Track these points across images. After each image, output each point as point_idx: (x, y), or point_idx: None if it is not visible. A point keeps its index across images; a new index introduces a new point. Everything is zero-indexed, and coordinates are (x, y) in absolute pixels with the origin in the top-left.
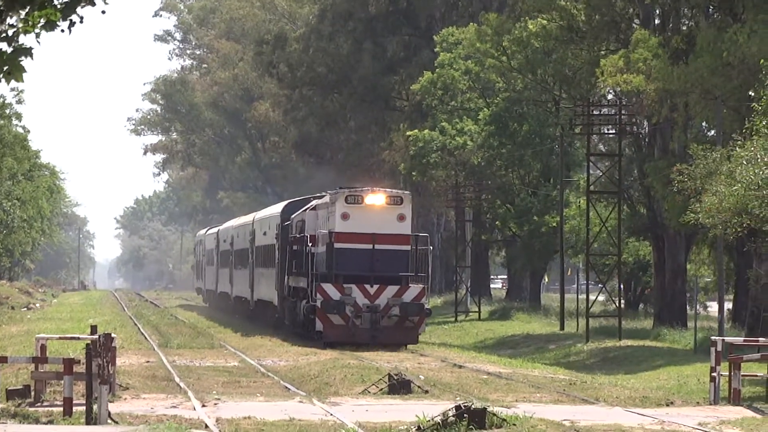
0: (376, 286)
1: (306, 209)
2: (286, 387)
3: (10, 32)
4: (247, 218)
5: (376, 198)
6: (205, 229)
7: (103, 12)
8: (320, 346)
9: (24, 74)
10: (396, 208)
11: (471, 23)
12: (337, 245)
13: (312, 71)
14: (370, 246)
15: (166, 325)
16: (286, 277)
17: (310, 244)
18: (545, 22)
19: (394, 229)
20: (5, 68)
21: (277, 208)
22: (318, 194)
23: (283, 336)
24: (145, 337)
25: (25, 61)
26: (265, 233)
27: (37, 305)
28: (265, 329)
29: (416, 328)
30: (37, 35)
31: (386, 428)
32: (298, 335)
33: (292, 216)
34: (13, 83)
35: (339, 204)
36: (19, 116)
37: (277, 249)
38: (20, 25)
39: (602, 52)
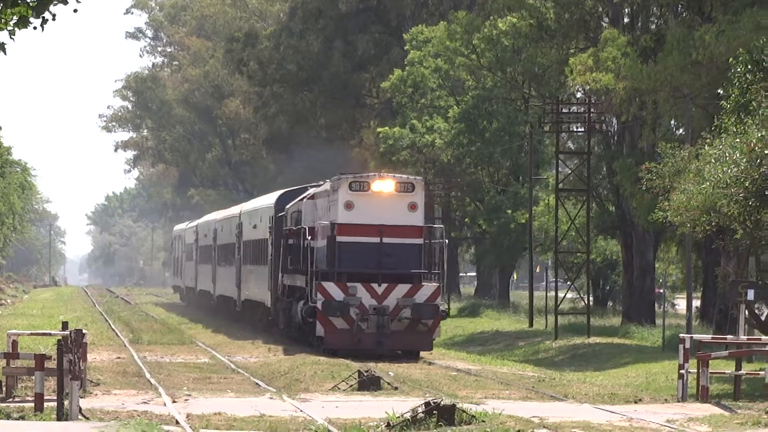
0: (384, 285)
1: (303, 198)
2: (257, 383)
3: None
4: (233, 210)
5: (384, 184)
6: (185, 223)
7: (75, 10)
8: (290, 343)
9: None
10: (406, 195)
11: (441, 21)
12: (339, 238)
13: (282, 69)
14: (377, 239)
15: (137, 321)
16: (280, 274)
17: (308, 238)
18: (515, 20)
19: (404, 220)
20: None
21: (270, 199)
22: (316, 182)
23: (251, 333)
24: (116, 334)
25: None
26: (255, 226)
27: (9, 301)
28: (254, 332)
29: (430, 333)
30: (11, 32)
31: (356, 424)
32: (293, 340)
33: (287, 206)
34: None
35: (342, 192)
36: None
37: (271, 243)
38: None
39: (571, 51)
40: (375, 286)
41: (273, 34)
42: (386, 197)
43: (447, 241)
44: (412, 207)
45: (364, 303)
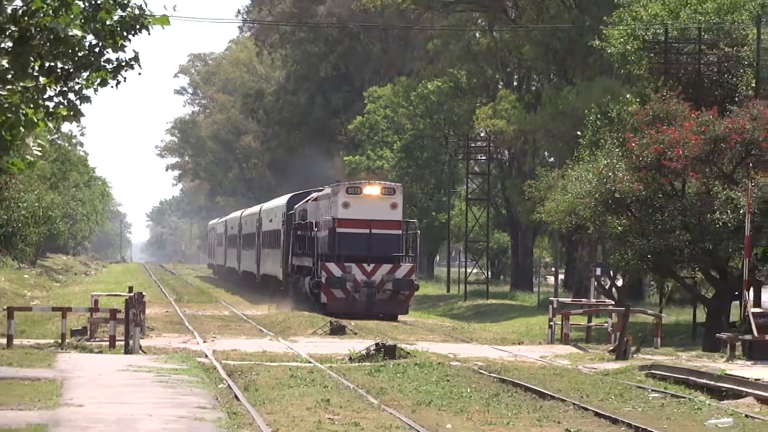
0: (372, 265)
1: (307, 200)
2: (261, 330)
3: (77, 87)
4: (254, 209)
5: (372, 189)
6: (216, 219)
7: (140, 73)
8: (294, 306)
9: (82, 117)
10: (389, 197)
11: (389, 84)
12: (339, 230)
13: (281, 115)
14: (367, 230)
15: (180, 287)
16: (290, 257)
17: (315, 229)
18: (439, 83)
19: (387, 216)
20: (70, 113)
21: (282, 200)
22: (317, 188)
23: (259, 299)
24: (165, 295)
25: (86, 106)
26: (271, 220)
27: (92, 272)
28: (267, 298)
29: (407, 301)
30: (95, 89)
31: (328, 358)
32: (298, 304)
33: (296, 206)
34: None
35: (341, 194)
36: (81, 144)
37: (283, 233)
38: (83, 82)
39: (477, 104)
40: (365, 265)
41: (275, 91)
42: (374, 199)
43: (419, 231)
44: (394, 206)
45: (357, 278)
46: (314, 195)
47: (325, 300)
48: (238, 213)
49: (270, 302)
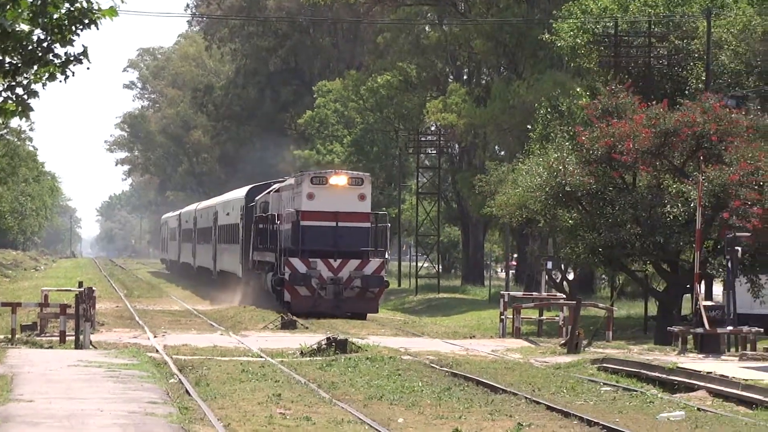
0: (339, 260)
1: (269, 192)
2: (212, 324)
3: (25, 82)
4: (209, 202)
5: (339, 179)
6: (170, 213)
7: (88, 68)
8: (245, 301)
9: (32, 113)
10: (357, 188)
11: (339, 78)
12: (303, 223)
13: (230, 109)
14: (333, 223)
15: (130, 282)
16: (251, 251)
17: (277, 222)
18: (389, 77)
19: (355, 208)
20: (19, 108)
21: (240, 192)
22: (279, 179)
23: (207, 293)
24: (116, 290)
25: (33, 101)
26: (228, 214)
27: (42, 267)
28: (223, 294)
29: (376, 299)
30: (44, 84)
31: (280, 352)
32: (261, 301)
33: (256, 198)
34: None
35: (305, 185)
36: (30, 139)
37: (242, 227)
38: (32, 77)
39: (428, 98)
40: (332, 261)
41: (224, 86)
42: (341, 189)
43: (390, 225)
44: (362, 197)
45: (323, 275)
46: (276, 186)
47: (288, 298)
48: (192, 206)
49: (228, 300)
